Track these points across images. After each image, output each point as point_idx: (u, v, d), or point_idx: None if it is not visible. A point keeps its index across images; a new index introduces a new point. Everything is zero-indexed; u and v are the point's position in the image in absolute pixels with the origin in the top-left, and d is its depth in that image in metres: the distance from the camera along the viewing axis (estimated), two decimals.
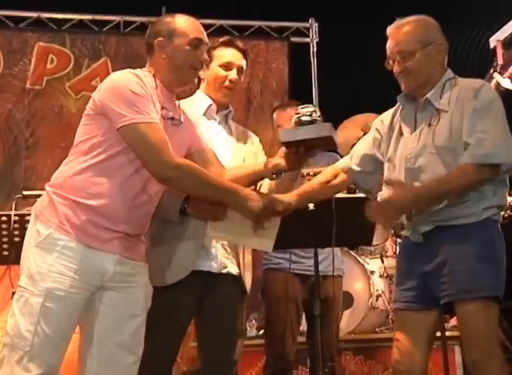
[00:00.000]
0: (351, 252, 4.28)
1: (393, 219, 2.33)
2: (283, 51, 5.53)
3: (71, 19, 5.44)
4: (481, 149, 2.23)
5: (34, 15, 5.37)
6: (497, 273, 2.27)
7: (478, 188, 2.27)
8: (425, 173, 2.33)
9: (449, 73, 2.43)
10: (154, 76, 2.28)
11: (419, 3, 3.17)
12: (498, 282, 2.26)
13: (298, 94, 5.43)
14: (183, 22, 2.31)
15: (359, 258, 4.30)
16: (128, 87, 2.15)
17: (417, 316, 2.35)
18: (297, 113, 2.28)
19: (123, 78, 2.19)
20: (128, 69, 2.24)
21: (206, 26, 5.22)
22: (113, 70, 5.08)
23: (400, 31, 2.40)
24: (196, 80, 2.41)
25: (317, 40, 5.58)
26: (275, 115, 3.43)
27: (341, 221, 2.60)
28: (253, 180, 2.49)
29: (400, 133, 2.44)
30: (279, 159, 2.40)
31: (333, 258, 2.96)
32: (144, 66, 2.34)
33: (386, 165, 2.47)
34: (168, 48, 2.28)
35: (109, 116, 2.16)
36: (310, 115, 2.25)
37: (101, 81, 2.30)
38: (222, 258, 2.55)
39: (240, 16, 5.53)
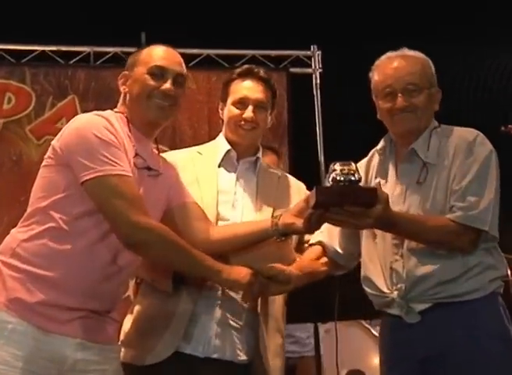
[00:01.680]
0: (363, 323, 4.23)
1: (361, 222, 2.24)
2: (281, 83, 5.47)
3: (32, 51, 5.42)
4: (471, 211, 2.29)
5: None
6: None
7: (457, 252, 2.31)
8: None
9: (434, 122, 2.50)
10: (126, 117, 2.22)
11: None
12: None
13: (299, 132, 5.53)
14: (149, 51, 2.28)
15: (373, 330, 4.22)
16: (93, 133, 2.07)
17: None
18: (334, 170, 2.23)
19: (88, 122, 2.12)
20: (95, 111, 2.17)
21: (190, 57, 5.37)
22: (82, 110, 5.15)
23: (410, 62, 2.46)
24: (166, 118, 2.30)
25: (320, 70, 5.58)
26: None
27: (345, 290, 2.60)
28: (254, 240, 2.42)
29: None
30: (292, 218, 2.34)
31: (336, 335, 2.88)
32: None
33: (365, 233, 2.47)
34: (130, 81, 2.25)
35: (72, 167, 2.07)
36: (353, 174, 2.21)
37: (67, 123, 2.27)
38: (213, 338, 2.46)
39: (231, 44, 5.55)
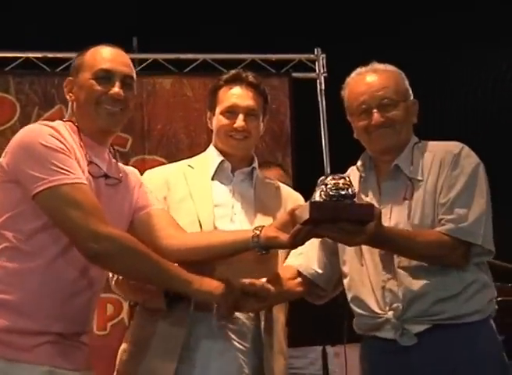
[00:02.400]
0: None
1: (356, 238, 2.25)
2: (283, 89, 5.53)
3: (16, 58, 5.40)
4: (461, 223, 2.33)
5: None
6: None
7: (447, 267, 2.35)
8: (400, 257, 2.39)
9: (415, 137, 2.55)
10: (76, 126, 2.20)
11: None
12: None
13: (304, 140, 5.51)
14: (92, 53, 2.26)
15: None
16: (40, 142, 2.05)
17: None
18: (326, 184, 2.22)
19: (32, 132, 2.11)
20: (40, 121, 2.18)
21: (185, 62, 5.40)
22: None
23: (382, 76, 2.51)
24: (118, 124, 2.32)
25: (325, 74, 5.55)
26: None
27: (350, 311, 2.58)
28: (231, 251, 2.38)
29: None
30: (275, 231, 2.31)
31: (345, 358, 2.90)
32: None
33: (349, 252, 2.48)
34: (75, 87, 2.22)
35: (21, 182, 2.04)
36: (347, 189, 2.21)
37: None
38: (218, 363, 2.45)
39: (228, 48, 5.54)
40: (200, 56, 5.49)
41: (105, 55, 2.27)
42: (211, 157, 2.69)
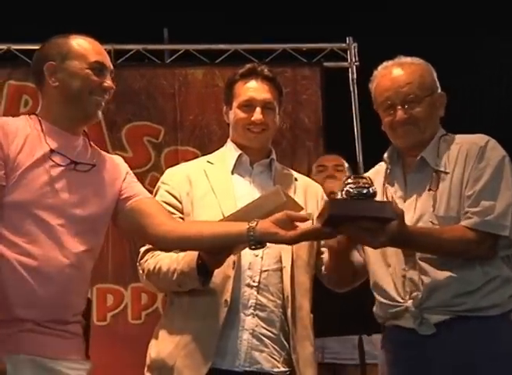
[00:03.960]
0: None
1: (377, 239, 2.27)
2: (315, 79, 5.53)
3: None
4: (488, 216, 2.34)
5: (3, 47, 5.41)
6: None
7: (477, 263, 2.35)
8: None
9: (442, 130, 2.56)
10: (36, 115, 2.29)
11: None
12: None
13: (336, 131, 5.49)
14: (80, 43, 2.33)
15: None
16: None
17: None
18: (348, 183, 2.26)
19: None
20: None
21: (217, 53, 5.48)
22: (103, 111, 5.08)
23: (407, 71, 2.51)
24: (99, 115, 2.37)
25: (357, 64, 5.54)
26: (317, 161, 3.69)
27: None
28: (224, 243, 2.38)
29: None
30: (274, 227, 2.30)
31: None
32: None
33: None
34: (62, 74, 2.30)
35: None
36: (367, 187, 2.25)
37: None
38: (249, 350, 2.51)
39: (260, 37, 5.55)
40: (232, 46, 5.51)
41: (96, 48, 2.35)
42: (230, 151, 2.75)
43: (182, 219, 2.62)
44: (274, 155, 2.77)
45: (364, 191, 2.24)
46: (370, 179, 2.29)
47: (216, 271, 2.47)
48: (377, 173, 2.61)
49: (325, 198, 2.78)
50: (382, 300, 2.49)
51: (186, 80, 5.38)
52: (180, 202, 2.65)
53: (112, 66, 2.38)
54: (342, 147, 5.07)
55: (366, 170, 2.76)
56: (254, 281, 2.56)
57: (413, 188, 2.49)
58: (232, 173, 2.71)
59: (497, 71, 6.23)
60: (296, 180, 2.78)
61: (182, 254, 2.53)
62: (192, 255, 2.45)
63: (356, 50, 5.57)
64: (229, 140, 2.79)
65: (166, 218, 2.41)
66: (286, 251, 2.60)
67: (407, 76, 2.51)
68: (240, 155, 2.71)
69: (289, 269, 2.59)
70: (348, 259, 2.60)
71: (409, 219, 2.38)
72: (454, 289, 2.36)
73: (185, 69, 5.41)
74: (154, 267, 2.55)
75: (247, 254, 2.53)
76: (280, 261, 2.60)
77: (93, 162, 2.33)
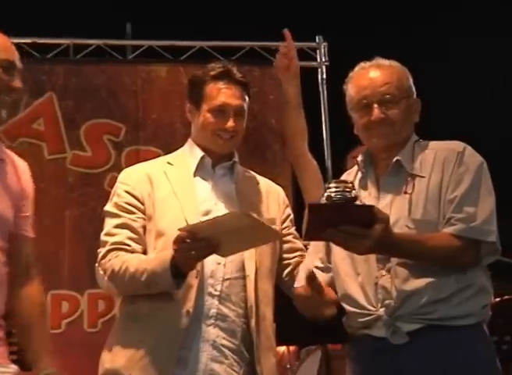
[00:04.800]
0: None
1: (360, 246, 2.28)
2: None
3: None
4: (472, 222, 2.36)
5: None
6: None
7: (460, 272, 2.37)
8: None
9: (414, 136, 2.60)
10: None
11: None
12: None
13: None
14: None
15: None
16: None
17: None
18: (329, 188, 2.28)
19: None
20: None
21: (182, 49, 5.41)
22: (61, 108, 5.16)
23: (385, 72, 2.55)
24: (4, 113, 2.36)
25: (327, 64, 5.54)
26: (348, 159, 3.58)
27: None
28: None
29: None
30: None
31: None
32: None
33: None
34: None
35: None
36: (349, 191, 2.27)
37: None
38: (209, 362, 2.51)
39: (227, 35, 5.52)
40: (197, 43, 5.48)
41: (5, 45, 2.34)
42: (191, 153, 2.73)
43: (144, 220, 2.60)
44: (236, 158, 2.76)
45: (346, 195, 2.26)
46: (352, 183, 2.31)
47: None
48: (350, 175, 2.64)
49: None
50: (353, 309, 2.49)
51: (149, 77, 5.35)
52: (143, 203, 2.63)
53: (21, 65, 2.35)
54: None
55: (335, 174, 2.78)
56: (215, 290, 2.56)
57: (387, 191, 2.50)
58: (194, 175, 2.70)
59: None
60: (258, 183, 2.79)
61: (152, 255, 2.53)
62: (164, 256, 2.44)
63: (326, 49, 5.56)
64: (190, 140, 2.78)
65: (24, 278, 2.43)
66: (249, 258, 2.59)
67: (385, 76, 2.54)
68: (202, 157, 2.70)
69: (253, 277, 2.59)
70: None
71: None
72: (427, 296, 2.36)
73: (148, 65, 5.38)
74: (121, 267, 2.51)
75: (209, 261, 2.52)
76: (243, 269, 2.60)
77: (3, 158, 2.35)
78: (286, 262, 2.73)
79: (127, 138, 5.26)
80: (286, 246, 2.74)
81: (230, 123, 2.65)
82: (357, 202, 2.31)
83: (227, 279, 2.58)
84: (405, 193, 2.45)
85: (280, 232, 2.63)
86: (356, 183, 2.53)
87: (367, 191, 2.55)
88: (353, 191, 2.28)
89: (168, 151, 2.91)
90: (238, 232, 2.32)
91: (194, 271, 2.49)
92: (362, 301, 2.45)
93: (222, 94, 2.66)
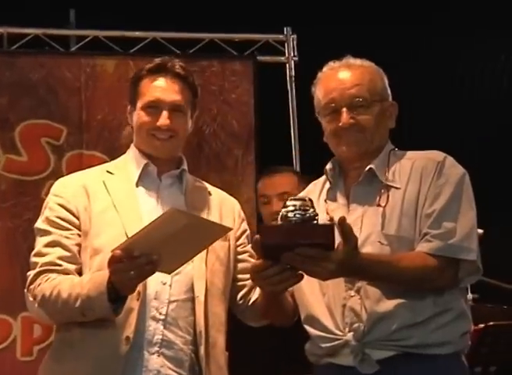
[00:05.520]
0: None
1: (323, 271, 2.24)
2: (247, 74, 5.42)
3: None
4: (450, 239, 2.35)
5: None
6: None
7: (431, 293, 2.36)
8: None
9: (390, 144, 2.59)
10: None
11: None
12: None
13: (270, 136, 5.37)
14: None
15: None
16: None
17: None
18: (285, 206, 2.24)
19: None
20: None
21: (132, 41, 5.24)
22: None
23: (356, 73, 2.54)
24: None
25: (295, 58, 5.53)
26: (260, 183, 3.76)
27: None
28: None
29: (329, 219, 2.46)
30: None
31: None
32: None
33: None
34: None
35: None
36: (306, 210, 2.22)
37: None
38: (160, 369, 2.50)
39: (183, 25, 5.50)
40: (149, 34, 5.43)
41: None
42: (133, 160, 2.70)
43: (79, 236, 2.59)
44: (185, 165, 2.73)
45: (303, 214, 2.23)
46: (310, 200, 2.27)
47: None
48: (313, 190, 2.63)
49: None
50: (317, 333, 2.45)
51: (95, 71, 5.19)
52: (78, 218, 2.61)
53: None
54: (277, 155, 5.12)
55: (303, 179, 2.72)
56: (160, 314, 2.53)
57: (358, 203, 2.49)
58: (137, 185, 2.67)
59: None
60: (210, 194, 2.77)
61: (86, 277, 2.51)
62: (100, 278, 2.41)
63: (295, 42, 5.55)
64: (132, 146, 2.74)
65: None
66: (198, 278, 2.58)
67: (356, 77, 2.52)
68: (145, 165, 2.66)
69: (203, 299, 2.58)
70: (284, 298, 2.56)
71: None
72: (400, 320, 2.34)
73: (93, 58, 5.24)
74: (51, 292, 2.49)
75: (153, 281, 2.50)
76: (192, 290, 2.58)
77: None
78: (240, 283, 2.70)
79: (68, 142, 5.11)
80: (240, 265, 2.71)
81: (163, 121, 2.59)
82: (316, 221, 2.25)
83: (173, 301, 2.55)
84: (378, 205, 2.44)
85: (227, 226, 2.54)
86: (323, 194, 2.56)
87: (336, 203, 2.54)
88: (311, 210, 2.24)
89: (114, 157, 2.87)
90: (178, 236, 2.30)
91: (135, 292, 2.46)
92: (328, 323, 2.42)
93: (156, 88, 2.63)
